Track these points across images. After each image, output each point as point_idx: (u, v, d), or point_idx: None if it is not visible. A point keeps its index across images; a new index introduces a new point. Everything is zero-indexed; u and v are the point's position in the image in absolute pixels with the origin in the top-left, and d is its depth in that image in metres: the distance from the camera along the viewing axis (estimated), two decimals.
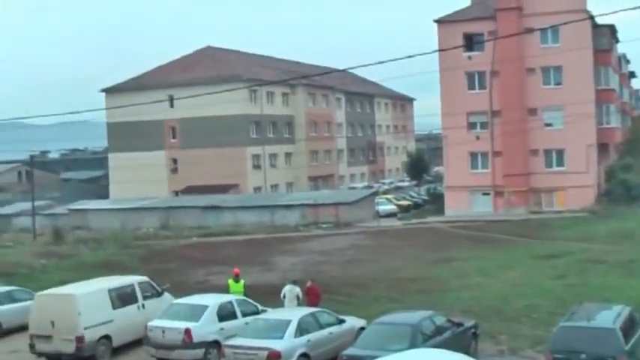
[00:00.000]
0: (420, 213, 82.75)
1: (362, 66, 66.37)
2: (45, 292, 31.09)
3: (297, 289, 31.90)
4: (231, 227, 73.24)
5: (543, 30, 71.85)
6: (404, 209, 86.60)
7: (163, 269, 48.41)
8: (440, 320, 25.51)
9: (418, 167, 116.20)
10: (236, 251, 57.26)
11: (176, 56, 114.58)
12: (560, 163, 75.77)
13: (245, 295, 32.26)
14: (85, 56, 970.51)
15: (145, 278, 32.64)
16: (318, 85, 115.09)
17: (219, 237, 68.13)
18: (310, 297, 32.07)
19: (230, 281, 33.88)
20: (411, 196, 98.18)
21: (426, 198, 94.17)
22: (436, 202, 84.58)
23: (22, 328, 31.54)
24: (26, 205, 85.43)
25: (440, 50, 70.26)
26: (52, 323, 28.29)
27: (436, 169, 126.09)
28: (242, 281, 33.85)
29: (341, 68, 63.55)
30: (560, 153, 75.72)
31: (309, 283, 32.88)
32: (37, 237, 72.85)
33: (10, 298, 35.32)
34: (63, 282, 36.50)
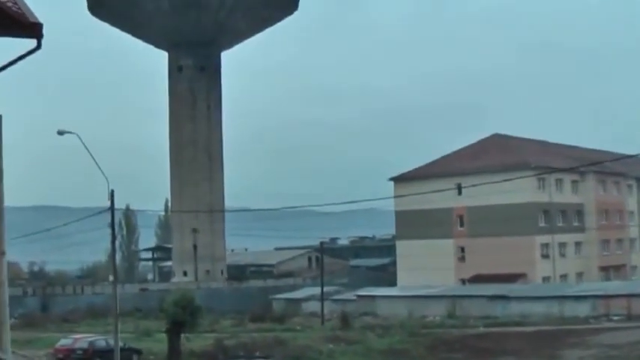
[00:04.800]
0: None
1: None
2: None
3: None
4: (518, 317, 72.00)
5: None
6: None
7: (450, 358, 48.22)
8: None
9: None
10: (523, 343, 56.25)
11: (464, 144, 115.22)
12: None
13: None
14: (373, 145, 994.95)
15: None
16: (608, 172, 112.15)
17: (507, 327, 67.10)
18: None
19: None
20: None
21: None
22: None
23: None
24: (315, 290, 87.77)
25: None
26: None
27: None
28: None
29: (632, 154, 61.48)
30: None
31: None
32: (325, 322, 74.56)
33: None
34: None
